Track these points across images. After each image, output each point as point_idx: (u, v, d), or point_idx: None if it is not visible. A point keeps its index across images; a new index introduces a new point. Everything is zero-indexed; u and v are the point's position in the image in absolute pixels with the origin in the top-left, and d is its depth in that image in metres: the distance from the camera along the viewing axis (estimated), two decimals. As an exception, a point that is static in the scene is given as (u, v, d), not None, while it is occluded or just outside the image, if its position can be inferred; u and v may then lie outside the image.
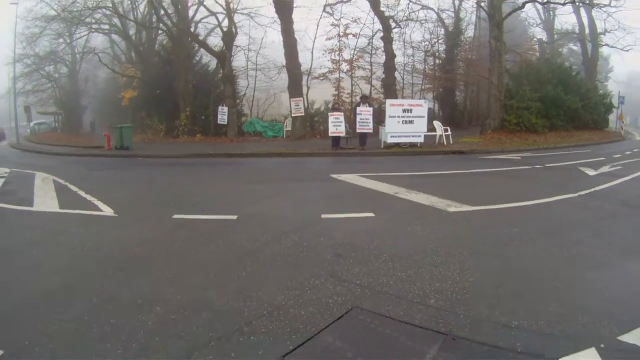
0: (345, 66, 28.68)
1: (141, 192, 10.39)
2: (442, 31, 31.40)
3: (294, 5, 24.06)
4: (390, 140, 17.32)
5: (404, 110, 17.14)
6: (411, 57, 31.38)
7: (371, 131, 18.17)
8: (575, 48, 37.87)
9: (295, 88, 23.84)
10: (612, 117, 27.36)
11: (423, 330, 3.31)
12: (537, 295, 3.89)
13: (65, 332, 3.40)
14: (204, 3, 27.04)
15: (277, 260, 4.91)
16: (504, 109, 21.90)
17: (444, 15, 31.36)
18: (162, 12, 27.18)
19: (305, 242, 5.53)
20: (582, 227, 6.17)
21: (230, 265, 4.77)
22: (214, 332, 3.34)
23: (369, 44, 28.77)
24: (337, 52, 28.30)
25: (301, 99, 24.07)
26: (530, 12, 34.33)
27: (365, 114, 17.80)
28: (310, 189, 9.84)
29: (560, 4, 24.08)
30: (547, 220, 6.66)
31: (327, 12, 27.57)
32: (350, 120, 20.73)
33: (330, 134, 18.34)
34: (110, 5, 27.70)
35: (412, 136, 17.31)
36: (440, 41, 31.52)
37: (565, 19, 43.88)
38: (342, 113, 19.06)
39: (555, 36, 34.59)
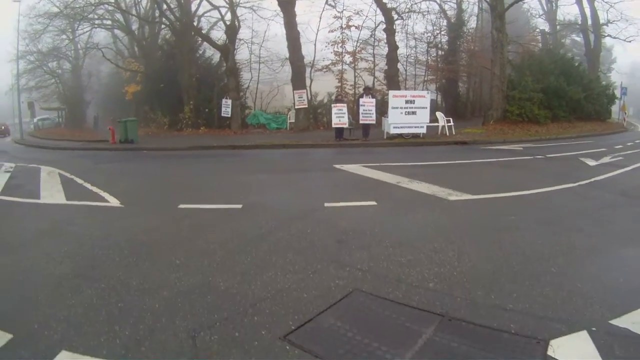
0: (348, 58, 28.80)
1: (147, 183, 10.53)
2: (445, 22, 31.42)
3: (296, -2, 24.03)
4: (393, 131, 17.42)
5: (406, 102, 17.23)
6: (414, 49, 31.49)
7: (374, 122, 18.26)
8: (578, 39, 37.69)
9: (298, 80, 23.94)
10: (614, 109, 27.29)
11: (421, 312, 3.42)
12: (532, 280, 3.97)
13: (74, 315, 3.49)
14: (207, -4, 27.09)
15: (281, 247, 5.02)
16: (506, 100, 21.90)
17: (446, 7, 31.41)
18: (165, 6, 27.20)
19: (308, 229, 5.66)
20: (580, 216, 6.25)
21: (235, 252, 4.89)
22: (219, 314, 3.46)
23: (371, 35, 28.84)
24: (340, 44, 28.45)
25: (304, 91, 24.18)
26: (533, 3, 34.24)
27: (368, 105, 17.92)
28: (314, 179, 10.00)
29: (562, -6, 24.02)
30: (546, 209, 6.75)
31: (330, 5, 27.68)
32: (353, 112, 20.84)
33: (333, 126, 18.47)
34: (113, 0, 27.80)
35: (415, 127, 17.40)
36: (442, 32, 31.59)
37: (568, 9, 43.74)
38: (345, 104, 19.14)
39: (558, 27, 34.38)
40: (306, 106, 24.21)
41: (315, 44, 28.33)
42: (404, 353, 2.86)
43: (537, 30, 36.14)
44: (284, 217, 6.28)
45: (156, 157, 16.04)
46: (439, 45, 31.54)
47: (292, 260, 4.55)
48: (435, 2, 30.18)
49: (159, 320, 3.38)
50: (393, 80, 25.33)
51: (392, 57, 25.46)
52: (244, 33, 28.60)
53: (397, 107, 17.18)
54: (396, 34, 26.45)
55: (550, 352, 2.84)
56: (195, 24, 28.32)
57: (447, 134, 18.70)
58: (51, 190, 9.17)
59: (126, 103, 33.71)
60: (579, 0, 29.28)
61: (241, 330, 3.21)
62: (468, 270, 4.23)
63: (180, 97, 26.82)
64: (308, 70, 26.44)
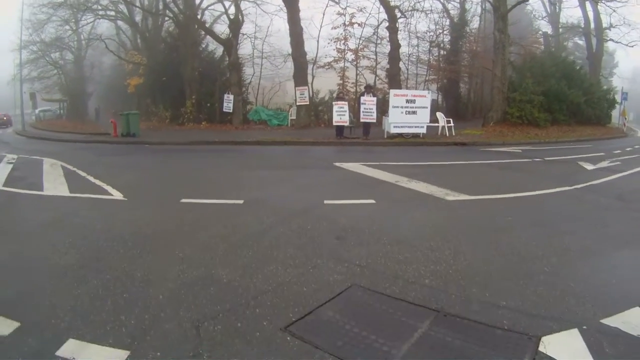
0: (350, 55, 28.80)
1: (149, 177, 10.62)
2: (448, 22, 31.45)
3: (301, -7, 24.04)
4: (393, 130, 17.48)
5: (407, 101, 17.28)
6: (416, 48, 31.44)
7: (374, 121, 18.30)
8: (580, 42, 37.64)
9: (300, 76, 23.97)
10: (615, 113, 27.32)
11: (416, 307, 3.54)
12: (526, 279, 4.09)
13: (80, 305, 3.59)
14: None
15: (282, 242, 5.13)
16: (507, 102, 21.92)
17: (449, 6, 31.36)
18: (169, -2, 27.19)
19: (308, 225, 5.77)
20: (575, 219, 6.36)
21: (237, 246, 4.99)
22: (221, 305, 3.57)
23: (374, 33, 28.83)
24: (343, 42, 28.42)
25: (306, 87, 24.23)
26: (536, 5, 34.29)
27: (369, 103, 17.95)
28: (314, 176, 10.09)
29: (564, -3, 24.08)
30: (541, 211, 6.87)
31: (333, 1, 27.69)
32: (355, 110, 20.87)
33: (334, 123, 18.56)
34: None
35: (415, 127, 17.47)
36: (445, 32, 31.62)
37: (571, 12, 43.74)
38: (346, 102, 19.17)
39: (561, 30, 34.45)
40: (307, 103, 24.24)
41: (318, 41, 28.45)
42: (400, 346, 2.98)
43: (540, 32, 36.14)
44: (285, 213, 6.38)
45: (158, 151, 16.12)
46: (441, 44, 31.58)
47: (292, 255, 4.66)
48: (439, 1, 30.28)
49: (164, 311, 3.48)
50: (395, 79, 25.36)
51: (394, 55, 25.47)
52: (247, 27, 28.71)
53: (397, 107, 17.23)
54: (399, 32, 26.43)
55: (541, 348, 2.94)
56: (198, 17, 28.30)
57: (447, 134, 18.76)
58: (54, 183, 9.24)
59: (128, 96, 33.71)
60: (582, 3, 29.35)
61: (243, 321, 3.32)
62: (463, 268, 4.34)
63: (183, 91, 26.83)
64: (310, 66, 26.45)
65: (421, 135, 17.62)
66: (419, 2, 28.53)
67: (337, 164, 11.20)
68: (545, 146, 16.87)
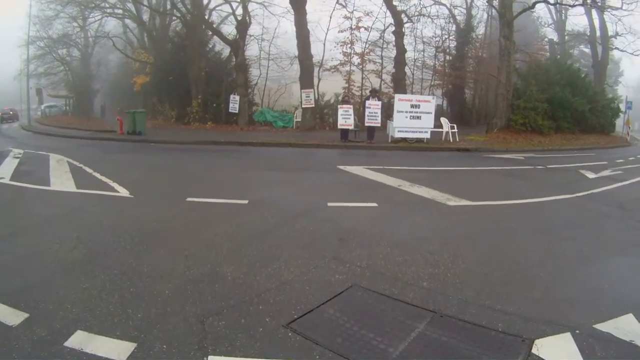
0: (356, 59, 28.87)
1: (155, 175, 10.73)
2: (454, 27, 31.49)
3: (308, -4, 24.17)
4: (397, 134, 17.58)
5: (412, 106, 17.38)
6: (422, 53, 31.51)
7: (379, 125, 18.43)
8: (586, 50, 37.64)
9: (306, 79, 24.06)
10: (619, 122, 27.30)
11: (414, 308, 3.64)
12: (522, 283, 4.19)
13: (88, 298, 3.70)
14: (219, -9, 27.23)
15: (285, 242, 5.25)
16: (511, 109, 21.91)
17: (455, 12, 31.45)
18: (177, -3, 27.35)
19: (311, 226, 5.89)
20: (574, 226, 6.44)
21: (241, 245, 5.11)
22: (226, 302, 3.69)
23: (380, 37, 28.94)
24: (349, 45, 28.54)
25: (312, 90, 24.27)
26: (542, 12, 34.27)
27: (374, 107, 18.04)
28: (318, 179, 10.21)
29: (570, 5, 24.08)
30: (541, 217, 6.96)
31: (341, 4, 27.78)
32: (360, 114, 20.96)
33: (339, 127, 18.68)
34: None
35: (419, 132, 17.54)
36: (451, 38, 31.63)
37: (577, 20, 43.57)
38: (351, 106, 19.29)
39: (567, 37, 34.45)
40: (313, 106, 24.34)
41: (324, 44, 28.54)
42: (397, 344, 3.08)
43: (546, 39, 36.17)
44: (289, 214, 6.49)
45: (164, 149, 16.25)
46: (447, 50, 31.60)
47: (295, 255, 4.77)
48: (445, 6, 30.38)
49: (170, 305, 3.59)
50: (400, 83, 25.46)
51: (400, 60, 25.57)
52: (254, 29, 28.80)
53: (402, 111, 17.32)
54: (405, 37, 26.52)
55: (534, 351, 3.03)
56: (206, 17, 28.44)
57: (451, 140, 18.85)
58: (61, 178, 9.37)
59: (134, 94, 33.87)
60: (589, 11, 29.32)
61: (247, 317, 3.43)
62: (461, 272, 4.44)
63: (189, 91, 26.98)
64: (316, 69, 26.55)
65: (425, 141, 17.69)
66: (425, 7, 28.70)
67: (341, 167, 11.33)
68: (548, 154, 16.93)
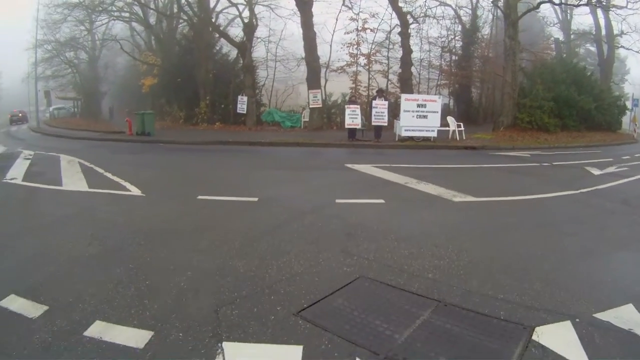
0: (362, 60, 29.02)
1: (166, 175, 10.92)
2: (459, 28, 31.46)
3: (314, -2, 24.30)
4: (404, 133, 17.67)
5: (418, 105, 17.46)
6: (428, 53, 31.55)
7: (386, 124, 18.51)
8: (592, 49, 37.44)
9: (313, 80, 24.19)
10: (625, 120, 27.21)
11: (419, 297, 3.78)
12: (524, 275, 4.30)
13: (105, 291, 3.86)
14: (225, -6, 27.39)
15: (295, 237, 5.41)
16: (517, 107, 21.91)
17: (461, 12, 31.42)
18: (184, 1, 27.55)
19: (320, 222, 6.03)
20: (578, 221, 6.52)
21: (252, 240, 5.26)
22: (238, 292, 3.84)
23: (386, 38, 29.03)
24: (355, 46, 28.68)
25: (319, 90, 24.41)
26: (548, 12, 34.19)
27: (380, 107, 18.12)
28: (326, 177, 10.35)
29: (574, 5, 24.04)
30: (545, 213, 7.06)
31: (347, 6, 27.92)
32: (367, 113, 21.07)
33: (346, 126, 18.79)
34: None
35: (426, 130, 17.60)
36: (457, 38, 31.61)
37: (583, 19, 43.38)
38: (358, 106, 19.42)
39: (572, 36, 34.36)
40: (320, 106, 24.45)
41: (331, 45, 28.67)
42: (402, 331, 3.22)
43: (552, 38, 36.06)
44: (298, 211, 6.63)
45: (173, 150, 16.41)
46: (453, 50, 31.62)
47: (305, 249, 4.93)
48: (451, 7, 30.45)
49: (185, 296, 3.76)
50: (406, 83, 25.49)
51: (406, 60, 25.61)
52: (261, 31, 29.04)
53: (408, 111, 17.42)
54: (411, 37, 26.55)
55: (535, 337, 3.15)
56: (213, 20, 28.63)
57: (458, 138, 18.87)
58: (72, 178, 9.57)
59: (142, 95, 34.13)
60: (594, 10, 29.24)
61: (259, 306, 3.59)
62: (465, 264, 4.57)
63: (197, 92, 27.15)
64: (323, 70, 26.61)
65: (432, 139, 17.74)
66: (430, 8, 28.83)
67: (349, 165, 11.45)
68: (554, 151, 16.89)
